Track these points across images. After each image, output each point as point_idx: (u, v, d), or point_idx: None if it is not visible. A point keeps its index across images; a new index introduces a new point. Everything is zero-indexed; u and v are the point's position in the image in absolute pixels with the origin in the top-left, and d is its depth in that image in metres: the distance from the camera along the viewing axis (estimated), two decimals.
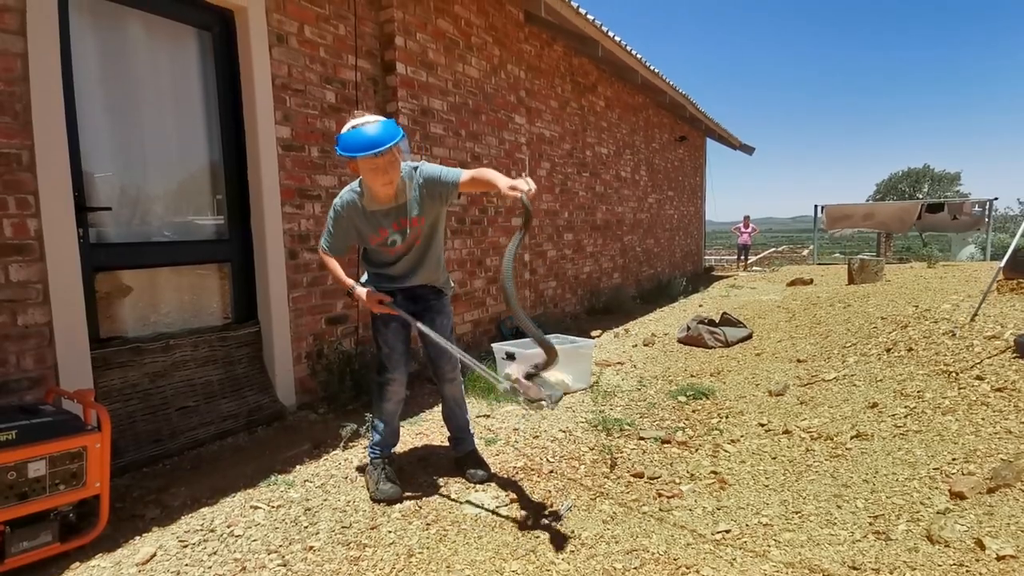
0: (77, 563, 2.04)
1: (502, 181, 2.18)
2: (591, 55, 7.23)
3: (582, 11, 5.88)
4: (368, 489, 2.58)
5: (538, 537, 2.23)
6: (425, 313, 2.58)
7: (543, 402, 2.19)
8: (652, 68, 8.10)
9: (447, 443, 2.92)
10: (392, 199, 2.39)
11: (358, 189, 2.42)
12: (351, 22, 4.01)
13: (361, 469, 2.79)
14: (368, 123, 2.24)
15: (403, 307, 2.51)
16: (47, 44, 2.55)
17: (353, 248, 3.12)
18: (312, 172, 3.79)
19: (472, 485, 2.66)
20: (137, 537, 2.22)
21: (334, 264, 2.52)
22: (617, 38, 6.85)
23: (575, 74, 7.27)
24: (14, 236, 2.49)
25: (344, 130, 2.28)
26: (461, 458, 2.80)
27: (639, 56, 7.56)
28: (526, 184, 2.09)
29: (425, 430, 3.36)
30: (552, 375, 3.95)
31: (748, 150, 14.59)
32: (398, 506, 2.47)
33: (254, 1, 3.37)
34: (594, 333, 6.20)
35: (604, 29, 6.47)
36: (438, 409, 3.74)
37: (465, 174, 2.36)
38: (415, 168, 2.41)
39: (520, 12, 5.74)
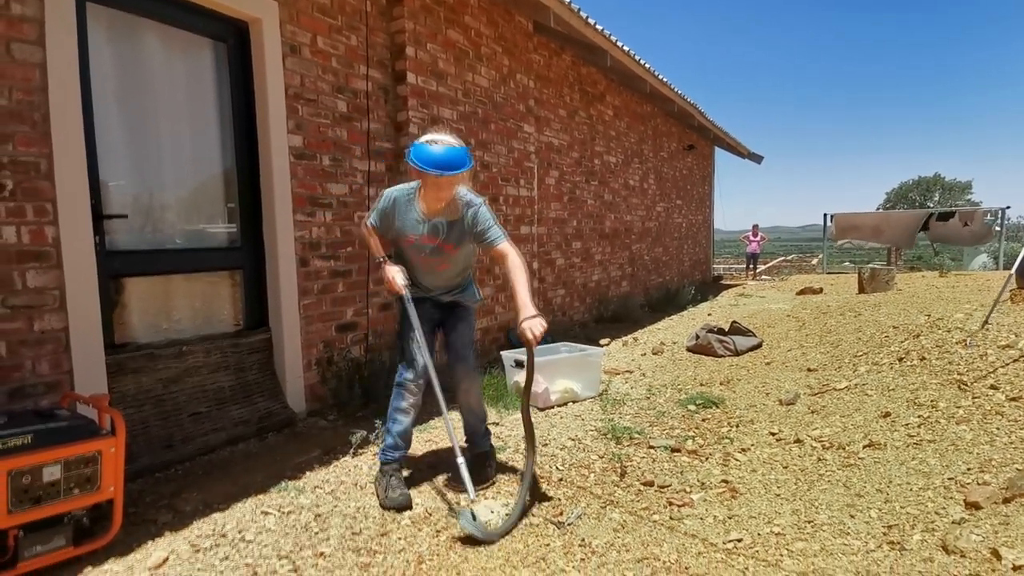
0: (90, 567, 2.05)
1: (522, 300, 2.36)
2: (599, 64, 7.27)
3: (591, 21, 5.92)
4: (378, 496, 2.59)
5: (548, 545, 2.22)
6: (448, 319, 2.74)
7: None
8: (660, 77, 8.12)
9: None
10: (439, 214, 2.55)
11: (411, 191, 2.60)
12: (363, 33, 4.05)
13: (371, 476, 2.80)
14: (445, 144, 2.43)
15: (429, 312, 2.69)
16: (65, 54, 2.60)
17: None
18: (324, 180, 3.82)
19: (482, 492, 2.66)
20: (150, 541, 2.23)
21: (374, 239, 2.76)
22: (625, 47, 6.88)
23: (584, 83, 7.31)
24: (32, 243, 2.53)
25: (422, 140, 2.47)
26: (472, 459, 2.82)
27: (647, 65, 7.59)
28: (536, 329, 2.29)
29: (435, 437, 3.36)
30: (560, 383, 3.97)
31: (757, 159, 14.56)
32: (408, 513, 2.47)
33: (269, 13, 3.42)
34: (603, 341, 6.19)
35: (613, 39, 6.51)
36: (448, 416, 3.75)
37: (503, 247, 2.50)
38: (473, 206, 2.53)
39: (529, 22, 5.79)
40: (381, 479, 2.62)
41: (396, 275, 2.60)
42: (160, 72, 3.15)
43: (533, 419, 2.61)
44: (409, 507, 2.51)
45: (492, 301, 5.43)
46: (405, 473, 2.74)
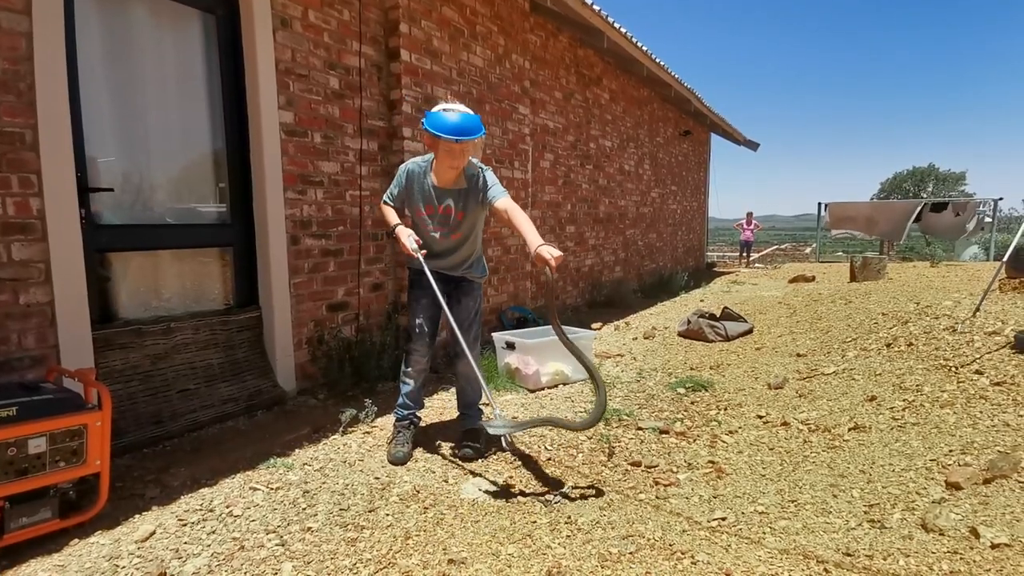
0: (76, 540, 2.05)
1: (531, 236, 2.39)
2: (597, 46, 7.20)
3: (587, 1, 5.85)
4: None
5: (535, 522, 2.24)
6: (454, 292, 2.84)
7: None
8: (658, 61, 8.06)
9: (445, 427, 2.97)
10: (451, 183, 2.66)
11: (425, 163, 2.71)
12: (355, 7, 3.99)
13: (360, 454, 2.83)
14: (459, 111, 2.54)
15: (436, 285, 2.72)
16: (52, 24, 2.54)
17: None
18: (315, 158, 3.78)
19: (469, 470, 2.69)
20: (137, 515, 2.23)
21: (389, 210, 2.83)
22: (623, 29, 6.82)
23: (580, 66, 7.24)
24: (17, 215, 2.50)
25: (436, 109, 2.57)
26: (462, 434, 2.94)
27: (645, 48, 7.53)
28: (554, 252, 2.30)
29: (425, 416, 3.36)
30: (551, 365, 3.98)
31: (753, 146, 14.53)
32: (396, 490, 2.48)
33: None
34: (595, 325, 6.20)
35: (610, 20, 6.44)
36: (437, 396, 3.77)
37: (502, 201, 2.57)
38: (482, 170, 2.65)
39: (526, 1, 5.72)
40: (392, 435, 2.88)
41: (408, 238, 2.66)
42: (148, 44, 3.09)
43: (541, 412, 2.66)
44: (403, 463, 2.72)
45: (484, 283, 5.41)
46: (417, 430, 2.97)
